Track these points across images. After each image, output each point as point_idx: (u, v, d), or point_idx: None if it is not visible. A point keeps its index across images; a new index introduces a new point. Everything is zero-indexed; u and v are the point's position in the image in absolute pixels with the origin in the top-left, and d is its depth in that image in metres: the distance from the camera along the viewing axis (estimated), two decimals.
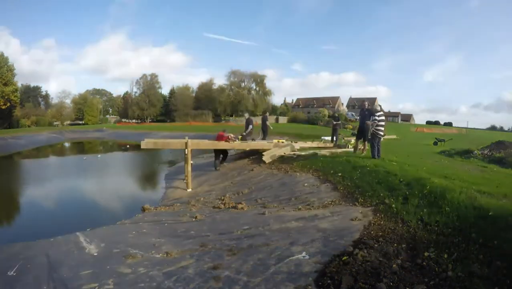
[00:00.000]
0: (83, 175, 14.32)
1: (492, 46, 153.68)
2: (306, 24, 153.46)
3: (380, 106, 10.89)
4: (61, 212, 8.08)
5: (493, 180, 6.22)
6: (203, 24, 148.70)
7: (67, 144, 31.87)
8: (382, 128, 8.41)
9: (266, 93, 64.10)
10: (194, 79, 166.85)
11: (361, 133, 9.36)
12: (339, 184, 6.72)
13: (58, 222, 7.12)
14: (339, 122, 14.50)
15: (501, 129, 67.24)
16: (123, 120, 66.14)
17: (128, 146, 24.65)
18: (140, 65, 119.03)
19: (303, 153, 10.77)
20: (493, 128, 67.56)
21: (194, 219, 5.91)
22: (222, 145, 12.25)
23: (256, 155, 12.16)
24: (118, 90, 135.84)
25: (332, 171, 7.66)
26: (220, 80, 70.05)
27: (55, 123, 55.71)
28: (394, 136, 22.98)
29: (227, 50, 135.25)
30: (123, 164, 18.89)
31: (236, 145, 12.17)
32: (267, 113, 17.14)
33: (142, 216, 6.91)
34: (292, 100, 78.26)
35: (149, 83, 65.16)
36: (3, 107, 32.31)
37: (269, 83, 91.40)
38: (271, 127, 16.25)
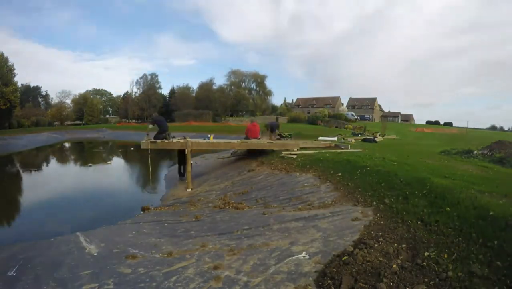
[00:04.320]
0: (83, 175, 14.33)
1: None
2: None
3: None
4: (61, 212, 8.08)
5: (493, 180, 6.22)
6: None
7: (67, 144, 31.88)
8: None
9: (266, 93, 64.11)
10: None
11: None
12: (339, 184, 6.72)
13: (58, 222, 7.11)
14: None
15: (501, 129, 67.26)
16: (123, 120, 66.09)
17: (132, 148, 24.48)
18: None
19: (303, 152, 10.76)
20: (493, 128, 67.55)
21: (194, 219, 5.91)
22: (222, 145, 12.25)
23: (256, 155, 12.16)
24: (118, 90, 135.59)
25: (332, 171, 7.66)
26: (220, 80, 70.18)
27: (55, 123, 55.66)
28: (394, 136, 22.98)
29: None
30: (123, 164, 18.89)
31: (236, 145, 12.17)
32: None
33: (142, 216, 6.91)
34: (292, 100, 78.33)
35: (149, 83, 65.13)
36: (3, 107, 32.23)
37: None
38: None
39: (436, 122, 62.04)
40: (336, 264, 3.19)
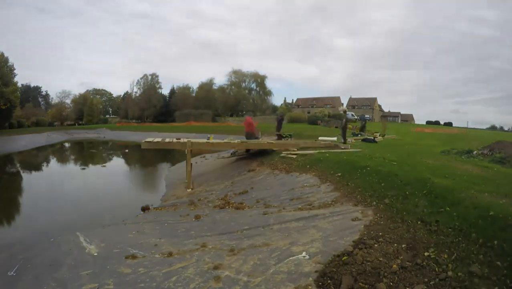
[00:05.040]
0: (83, 175, 14.33)
1: None
2: None
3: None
4: (61, 212, 8.08)
5: (494, 180, 6.20)
6: None
7: (67, 144, 31.90)
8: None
9: (266, 93, 64.18)
10: None
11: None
12: (339, 184, 6.72)
13: (58, 222, 7.11)
14: None
15: (501, 129, 67.10)
16: (123, 120, 66.07)
17: (127, 150, 24.41)
18: None
19: (304, 152, 10.76)
20: (493, 128, 67.43)
21: (194, 219, 5.91)
22: (222, 145, 12.24)
23: (256, 154, 12.16)
24: (118, 90, 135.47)
25: (332, 171, 7.65)
26: (220, 80, 70.29)
27: (55, 123, 55.66)
28: (394, 136, 22.96)
29: None
30: (124, 164, 18.90)
31: (236, 145, 12.18)
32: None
33: (142, 216, 6.92)
34: (292, 100, 78.34)
35: (149, 83, 65.15)
36: (3, 107, 32.19)
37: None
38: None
39: (436, 122, 61.92)
40: (336, 264, 3.19)
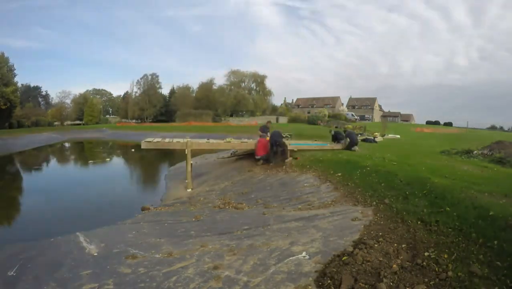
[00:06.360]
0: (83, 175, 14.33)
1: None
2: None
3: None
4: (61, 212, 8.07)
5: (494, 180, 6.21)
6: None
7: (67, 144, 31.90)
8: None
9: (266, 93, 64.13)
10: None
11: None
12: (339, 184, 6.72)
13: (58, 222, 7.12)
14: None
15: (501, 129, 67.00)
16: (123, 120, 66.01)
17: (133, 150, 23.96)
18: None
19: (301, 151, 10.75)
20: (493, 128, 67.35)
21: (194, 219, 5.91)
22: (222, 145, 12.24)
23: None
24: (118, 90, 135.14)
25: (332, 171, 7.66)
26: (220, 80, 70.15)
27: (55, 123, 55.62)
28: (398, 136, 23.00)
29: None
30: (124, 164, 18.90)
31: (236, 145, 12.17)
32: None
33: (142, 216, 6.91)
34: (292, 100, 78.34)
35: (150, 83, 65.12)
36: (3, 107, 32.19)
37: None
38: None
39: (436, 122, 61.90)
40: (336, 264, 3.18)
